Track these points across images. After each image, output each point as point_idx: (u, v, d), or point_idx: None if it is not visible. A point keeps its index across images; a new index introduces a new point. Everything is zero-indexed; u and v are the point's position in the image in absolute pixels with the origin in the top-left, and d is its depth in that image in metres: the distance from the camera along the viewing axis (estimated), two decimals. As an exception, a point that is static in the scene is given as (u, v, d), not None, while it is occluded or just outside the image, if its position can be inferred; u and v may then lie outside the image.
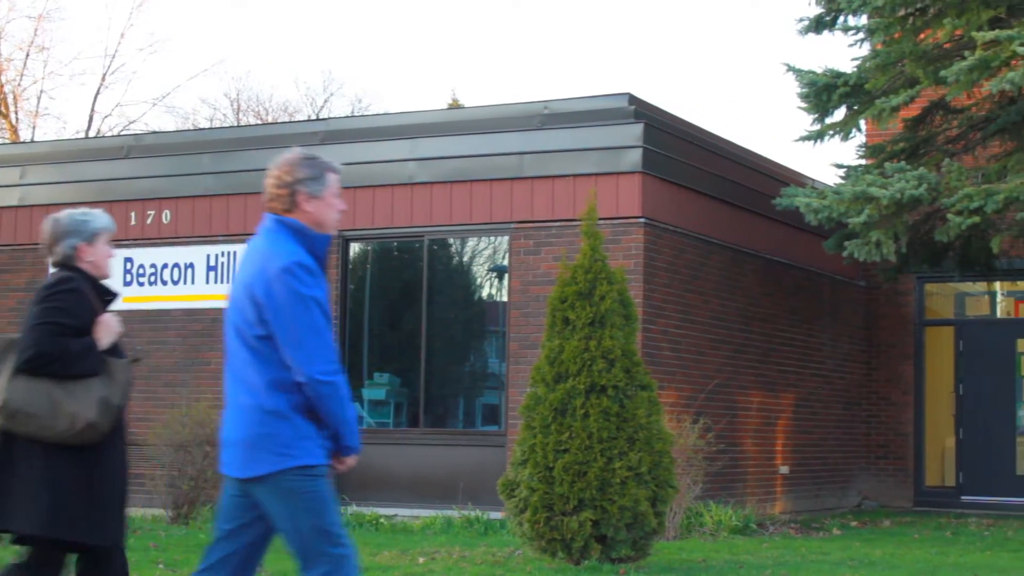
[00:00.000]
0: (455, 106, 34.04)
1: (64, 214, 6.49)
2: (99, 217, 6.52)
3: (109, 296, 6.49)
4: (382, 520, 15.27)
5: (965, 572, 11.29)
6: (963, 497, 20.23)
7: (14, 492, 6.10)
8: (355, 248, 16.90)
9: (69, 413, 6.06)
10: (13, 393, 6.08)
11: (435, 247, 16.66)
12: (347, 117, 30.29)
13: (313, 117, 43.02)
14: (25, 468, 6.10)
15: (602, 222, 13.12)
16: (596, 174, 15.28)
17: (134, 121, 41.11)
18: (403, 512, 15.53)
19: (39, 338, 6.09)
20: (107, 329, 6.31)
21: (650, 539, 11.09)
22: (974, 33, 15.06)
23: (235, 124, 41.34)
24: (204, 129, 30.89)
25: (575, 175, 15.40)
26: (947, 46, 16.62)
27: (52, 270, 6.52)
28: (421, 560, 11.60)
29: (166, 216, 17.44)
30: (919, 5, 16.19)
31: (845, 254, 16.37)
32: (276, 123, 32.64)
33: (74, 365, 6.14)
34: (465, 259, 17.01)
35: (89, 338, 6.23)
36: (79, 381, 6.14)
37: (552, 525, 10.68)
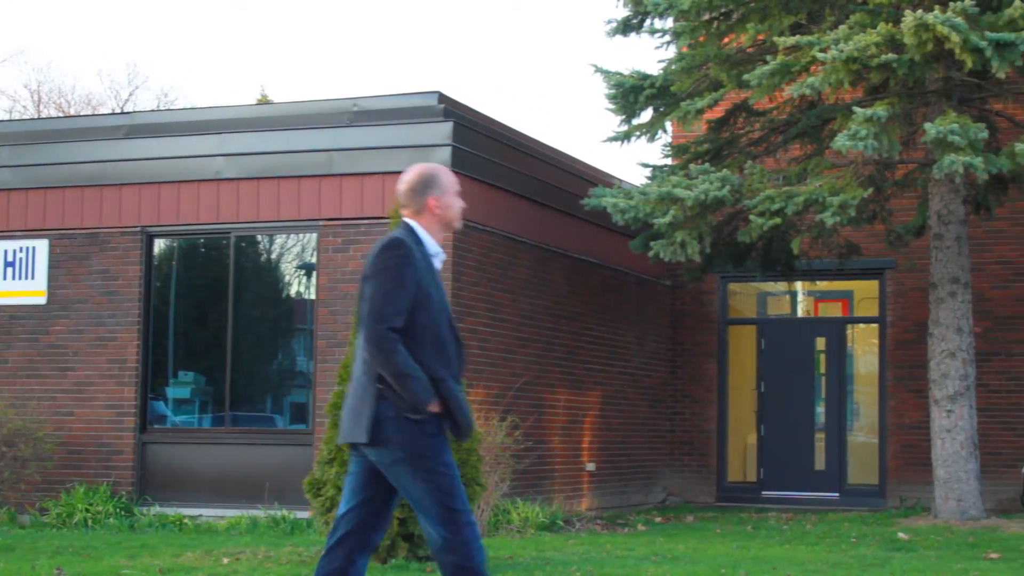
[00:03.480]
0: (264, 102, 33.67)
1: None
2: None
3: None
4: (186, 521, 15.05)
5: (765, 565, 11.52)
6: (764, 492, 20.69)
7: None
8: (160, 244, 16.59)
9: None
10: None
11: (242, 244, 16.45)
12: (152, 111, 29.76)
13: (117, 110, 42.20)
14: None
15: (411, 220, 13.07)
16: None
17: (-71, 112, 39.84)
18: (207, 512, 15.32)
19: None
20: None
21: (457, 537, 11.08)
22: (776, 38, 15.40)
23: (35, 116, 40.30)
24: (2, 121, 30.06)
25: (384, 173, 15.36)
26: (750, 50, 16.97)
27: None
28: (225, 561, 11.44)
29: (-38, 210, 16.91)
30: (723, 9, 16.50)
31: (651, 254, 16.61)
32: (79, 116, 31.91)
33: None
34: (273, 256, 16.83)
35: None
36: None
37: (359, 524, 10.61)
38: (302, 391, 16.37)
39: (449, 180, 6.40)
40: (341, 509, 6.28)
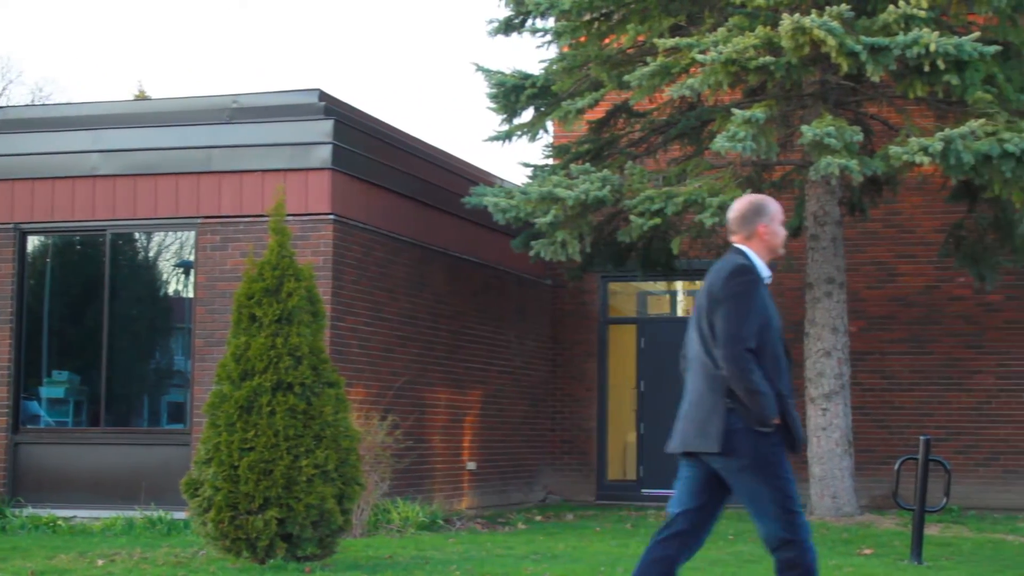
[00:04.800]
0: (142, 97, 33.28)
1: None
2: None
3: None
4: (60, 522, 14.79)
5: (643, 563, 11.58)
6: (643, 490, 20.81)
7: None
8: (33, 242, 16.31)
9: None
10: None
11: (119, 242, 16.23)
12: (26, 106, 29.23)
13: (-9, 105, 41.38)
14: None
15: (291, 218, 13.01)
16: (285, 170, 15.16)
17: None
18: (82, 514, 15.08)
19: None
20: None
21: (336, 537, 11.04)
22: (656, 40, 15.52)
23: (-94, 111, 39.39)
24: None
25: (264, 170, 15.24)
26: (631, 51, 17.08)
27: None
28: (100, 563, 11.27)
29: None
30: (604, 10, 16.59)
31: (532, 253, 16.66)
32: (-49, 110, 31.24)
33: None
34: (150, 254, 16.62)
35: None
36: None
37: (237, 524, 10.53)
38: (180, 390, 16.19)
39: (776, 209, 6.95)
40: (677, 508, 6.95)
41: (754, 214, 6.89)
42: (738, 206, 6.97)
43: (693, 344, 6.98)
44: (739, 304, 6.62)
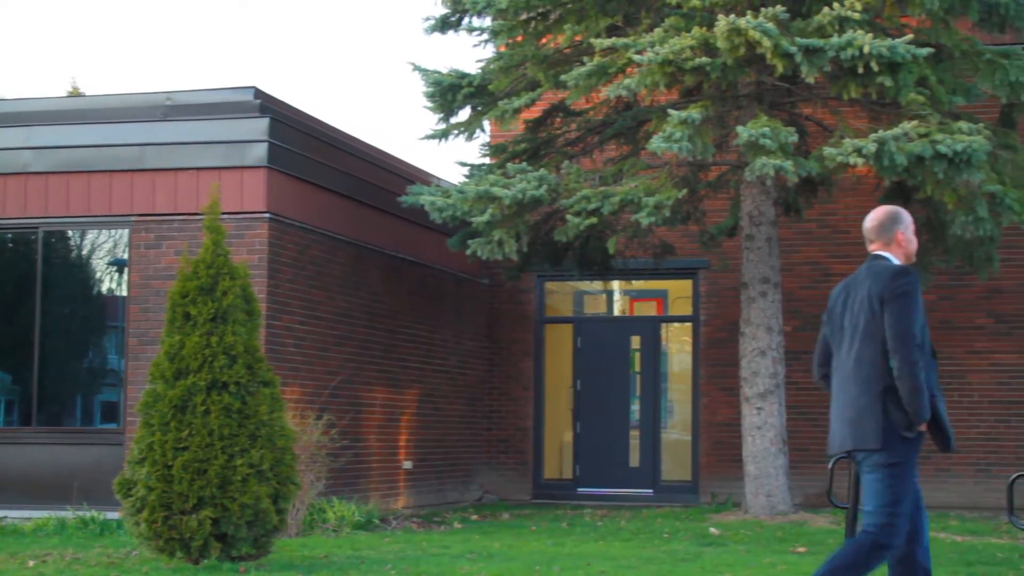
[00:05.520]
0: (75, 94, 32.97)
1: None
2: None
3: None
4: (-9, 523, 14.66)
5: (579, 561, 11.63)
6: (579, 489, 20.87)
7: None
8: (-36, 239, 16.15)
9: None
10: None
11: (51, 239, 16.08)
12: (-41, 102, 28.91)
13: (-78, 101, 40.87)
14: None
15: (226, 216, 12.95)
16: (220, 168, 15.08)
17: None
18: (13, 514, 14.94)
19: None
20: None
21: (271, 536, 10.99)
22: (593, 40, 15.56)
23: None
24: None
25: (199, 168, 15.15)
26: (567, 51, 17.11)
27: None
28: (31, 563, 11.17)
29: None
30: (541, 10, 16.61)
31: (468, 252, 16.65)
32: None
33: None
34: (83, 252, 16.47)
35: None
36: None
37: (170, 524, 10.46)
38: (113, 389, 16.06)
39: (910, 219, 7.26)
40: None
41: (892, 222, 7.18)
42: (876, 215, 7.25)
43: (844, 349, 7.15)
44: (908, 303, 6.87)
